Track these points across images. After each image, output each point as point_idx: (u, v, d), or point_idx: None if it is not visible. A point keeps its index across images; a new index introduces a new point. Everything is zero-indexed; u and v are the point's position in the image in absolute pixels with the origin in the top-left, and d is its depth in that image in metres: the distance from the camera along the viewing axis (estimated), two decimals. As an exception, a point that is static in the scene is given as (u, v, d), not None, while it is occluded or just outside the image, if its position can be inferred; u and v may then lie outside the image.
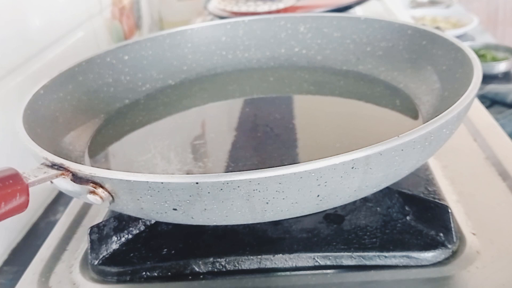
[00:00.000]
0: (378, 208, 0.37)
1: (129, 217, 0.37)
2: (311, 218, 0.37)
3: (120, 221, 0.37)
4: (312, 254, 0.34)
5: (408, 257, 0.33)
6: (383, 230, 0.35)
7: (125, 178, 0.28)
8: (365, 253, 0.34)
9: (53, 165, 0.30)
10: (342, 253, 0.34)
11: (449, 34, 0.47)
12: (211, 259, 0.35)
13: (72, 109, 0.45)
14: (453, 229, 0.34)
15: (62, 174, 0.29)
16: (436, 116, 0.30)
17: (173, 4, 1.03)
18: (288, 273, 0.34)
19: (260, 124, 0.47)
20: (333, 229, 0.36)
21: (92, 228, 0.36)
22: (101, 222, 0.36)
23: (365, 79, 0.51)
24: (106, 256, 0.36)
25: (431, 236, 0.34)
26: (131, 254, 0.36)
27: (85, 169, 0.29)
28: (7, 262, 0.46)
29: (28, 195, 0.27)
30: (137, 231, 0.38)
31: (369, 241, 0.34)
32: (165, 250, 0.36)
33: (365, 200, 0.38)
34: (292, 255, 0.34)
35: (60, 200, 0.54)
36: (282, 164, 0.27)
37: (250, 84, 0.54)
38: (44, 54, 0.56)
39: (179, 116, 0.50)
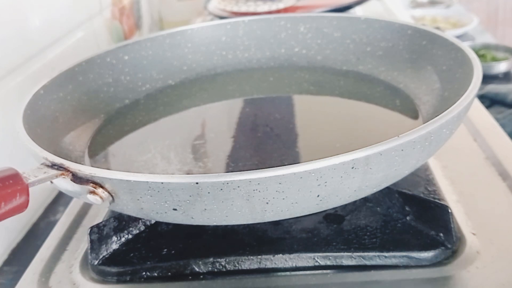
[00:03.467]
0: (378, 208, 0.37)
1: (129, 217, 0.37)
2: (311, 218, 0.37)
3: (120, 221, 0.37)
4: (312, 254, 0.34)
5: (408, 257, 0.33)
6: (383, 230, 0.35)
7: (125, 178, 0.28)
8: (365, 253, 0.34)
9: (53, 165, 0.30)
10: (342, 253, 0.34)
11: (449, 34, 0.47)
12: (211, 259, 0.35)
13: (72, 109, 0.45)
14: (453, 229, 0.34)
15: (62, 174, 0.29)
16: (436, 116, 0.30)
17: (173, 4, 1.03)
18: (288, 273, 0.34)
19: (260, 124, 0.47)
20: (333, 229, 0.36)
21: (92, 228, 0.36)
22: (101, 222, 0.36)
23: (365, 79, 0.51)
24: (106, 256, 0.36)
25: (431, 236, 0.34)
26: (131, 254, 0.36)
27: (85, 169, 0.29)
28: (7, 262, 0.46)
29: (28, 195, 0.27)
30: (137, 231, 0.38)
31: (369, 241, 0.34)
32: (165, 250, 0.36)
33: (365, 200, 0.38)
34: (292, 255, 0.34)
35: (60, 200, 0.54)
36: (282, 164, 0.27)
37: (250, 84, 0.54)
38: (44, 54, 0.56)
39: (179, 116, 0.50)
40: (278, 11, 0.84)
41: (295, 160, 0.40)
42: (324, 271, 0.34)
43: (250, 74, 0.56)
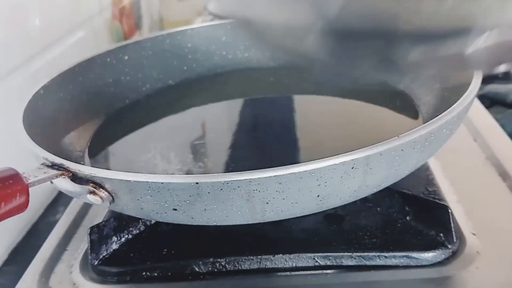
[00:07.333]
0: (378, 208, 0.37)
1: (129, 217, 0.37)
2: (311, 218, 0.37)
3: (120, 221, 0.37)
4: (312, 255, 0.34)
5: (408, 257, 0.33)
6: (383, 230, 0.35)
7: (125, 178, 0.28)
8: (365, 253, 0.34)
9: (53, 165, 0.30)
10: (342, 253, 0.34)
11: (449, 34, 0.47)
12: (211, 259, 0.35)
13: (72, 109, 0.45)
14: (453, 229, 0.34)
15: (62, 174, 0.29)
16: (436, 116, 0.30)
17: (173, 4, 1.03)
18: (288, 273, 0.34)
19: (260, 124, 0.47)
20: (333, 229, 0.36)
21: (92, 228, 0.36)
22: (101, 222, 0.36)
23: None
24: (106, 256, 0.36)
25: (431, 236, 0.34)
26: (131, 254, 0.36)
27: (85, 169, 0.29)
28: (7, 262, 0.46)
29: (28, 195, 0.27)
30: (137, 231, 0.38)
31: (369, 241, 0.34)
32: (165, 250, 0.36)
33: (365, 200, 0.38)
34: (292, 255, 0.34)
35: (60, 200, 0.54)
36: (282, 164, 0.27)
37: (250, 84, 0.54)
38: (44, 54, 0.55)
39: (179, 116, 0.50)
40: (278, 11, 0.84)
41: (295, 160, 0.40)
42: (324, 271, 0.34)
43: (250, 74, 0.56)
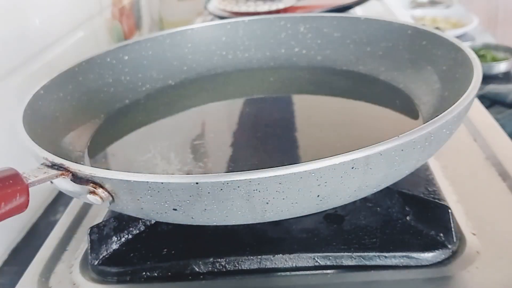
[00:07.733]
0: (378, 208, 0.37)
1: (129, 217, 0.37)
2: (311, 218, 0.37)
3: (120, 221, 0.37)
4: (312, 254, 0.34)
5: (408, 257, 0.33)
6: (383, 230, 0.35)
7: (125, 178, 0.28)
8: (365, 253, 0.34)
9: (53, 165, 0.30)
10: (342, 253, 0.34)
11: (449, 34, 0.47)
12: (211, 259, 0.35)
13: (72, 109, 0.45)
14: (453, 229, 0.34)
15: (62, 174, 0.29)
16: (436, 116, 0.30)
17: (173, 4, 1.03)
18: (288, 273, 0.34)
19: (260, 124, 0.47)
20: (333, 229, 0.36)
21: (92, 228, 0.36)
22: (101, 222, 0.36)
23: (365, 79, 0.51)
24: (106, 256, 0.36)
25: (431, 236, 0.34)
26: (131, 254, 0.36)
27: (85, 169, 0.29)
28: (7, 262, 0.46)
29: (28, 195, 0.27)
30: (137, 231, 0.38)
31: (369, 241, 0.34)
32: (165, 250, 0.36)
33: (365, 200, 0.38)
34: (292, 255, 0.34)
35: (60, 200, 0.54)
36: (282, 164, 0.27)
37: (250, 84, 0.54)
38: (44, 54, 0.56)
39: (179, 116, 0.50)
40: (278, 11, 0.84)
41: (295, 160, 0.40)
42: (324, 271, 0.34)
43: (250, 74, 0.56)
